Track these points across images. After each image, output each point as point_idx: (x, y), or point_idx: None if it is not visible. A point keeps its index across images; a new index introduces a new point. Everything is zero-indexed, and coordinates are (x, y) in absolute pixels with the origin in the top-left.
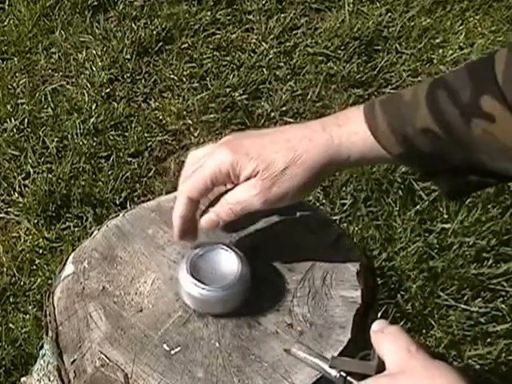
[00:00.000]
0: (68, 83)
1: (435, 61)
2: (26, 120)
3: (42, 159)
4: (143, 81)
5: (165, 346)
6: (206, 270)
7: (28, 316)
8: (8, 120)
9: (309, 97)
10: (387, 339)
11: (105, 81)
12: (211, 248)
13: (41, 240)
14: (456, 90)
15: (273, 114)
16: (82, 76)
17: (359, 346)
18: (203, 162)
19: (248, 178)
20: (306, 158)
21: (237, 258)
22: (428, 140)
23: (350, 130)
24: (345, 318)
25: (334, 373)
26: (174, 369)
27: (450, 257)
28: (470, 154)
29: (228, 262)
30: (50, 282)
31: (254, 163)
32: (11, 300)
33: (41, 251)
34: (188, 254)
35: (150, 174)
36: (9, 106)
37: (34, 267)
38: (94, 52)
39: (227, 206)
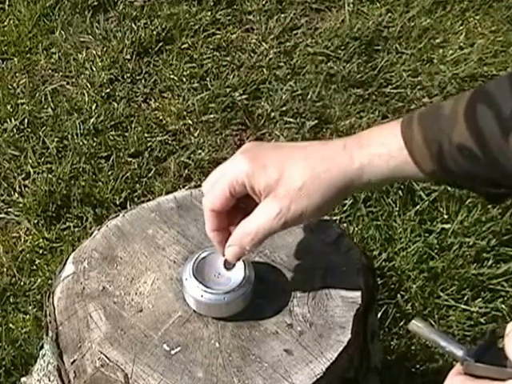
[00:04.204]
0: (68, 83)
1: (435, 61)
2: (26, 120)
3: (42, 159)
4: (143, 81)
5: (165, 346)
6: (211, 272)
7: (28, 316)
8: (8, 120)
9: (309, 97)
10: None
11: (105, 81)
12: (216, 250)
13: (41, 240)
14: (497, 104)
15: (273, 114)
16: (82, 76)
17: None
18: (223, 171)
19: (262, 192)
20: (324, 178)
21: (242, 262)
22: (462, 158)
23: (372, 152)
24: (345, 318)
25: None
26: (173, 369)
27: (450, 257)
28: (504, 174)
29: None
30: (50, 281)
31: (271, 177)
32: (11, 300)
33: (41, 251)
34: (192, 256)
35: (150, 174)
36: (9, 106)
37: (34, 267)
38: (94, 52)
39: (249, 237)
